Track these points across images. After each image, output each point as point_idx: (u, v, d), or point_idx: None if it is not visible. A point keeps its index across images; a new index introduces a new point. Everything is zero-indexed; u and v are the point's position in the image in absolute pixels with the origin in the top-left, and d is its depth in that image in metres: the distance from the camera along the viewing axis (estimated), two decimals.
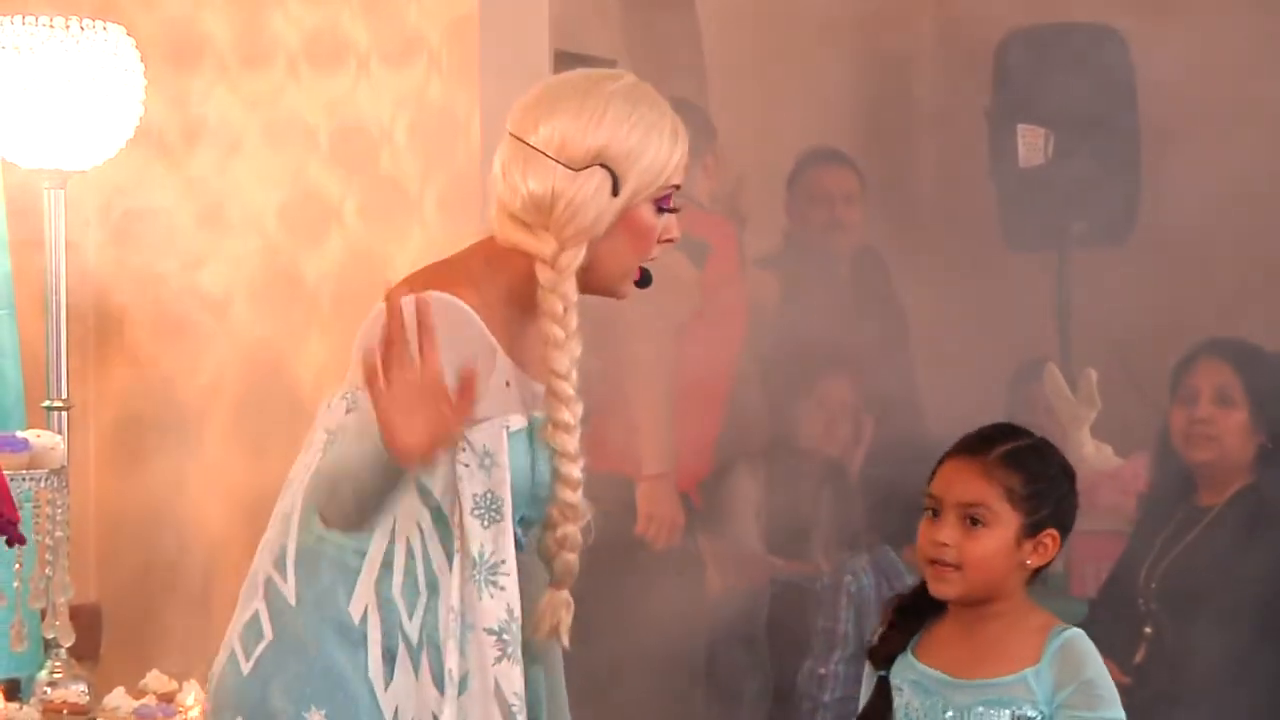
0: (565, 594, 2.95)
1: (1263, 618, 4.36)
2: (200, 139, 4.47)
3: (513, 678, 2.85)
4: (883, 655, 3.14)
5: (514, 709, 2.85)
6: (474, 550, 2.82)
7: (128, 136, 4.25)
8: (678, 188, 2.94)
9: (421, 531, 2.87)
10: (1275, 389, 4.63)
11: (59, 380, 4.16)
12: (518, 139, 2.89)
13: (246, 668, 2.89)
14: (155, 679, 3.95)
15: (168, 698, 3.87)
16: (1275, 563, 4.40)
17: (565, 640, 2.96)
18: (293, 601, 2.87)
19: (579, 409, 2.88)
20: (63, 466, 3.92)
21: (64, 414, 4.16)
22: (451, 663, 2.82)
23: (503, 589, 2.84)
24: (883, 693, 3.12)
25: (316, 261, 4.42)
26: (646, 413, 4.65)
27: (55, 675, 3.98)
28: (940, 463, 3.14)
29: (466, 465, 2.83)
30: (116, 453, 4.57)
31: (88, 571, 4.49)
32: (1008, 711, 3.05)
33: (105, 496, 4.56)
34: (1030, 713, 3.04)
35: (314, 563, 2.87)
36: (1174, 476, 4.69)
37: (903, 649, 3.14)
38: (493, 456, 2.84)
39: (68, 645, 4.00)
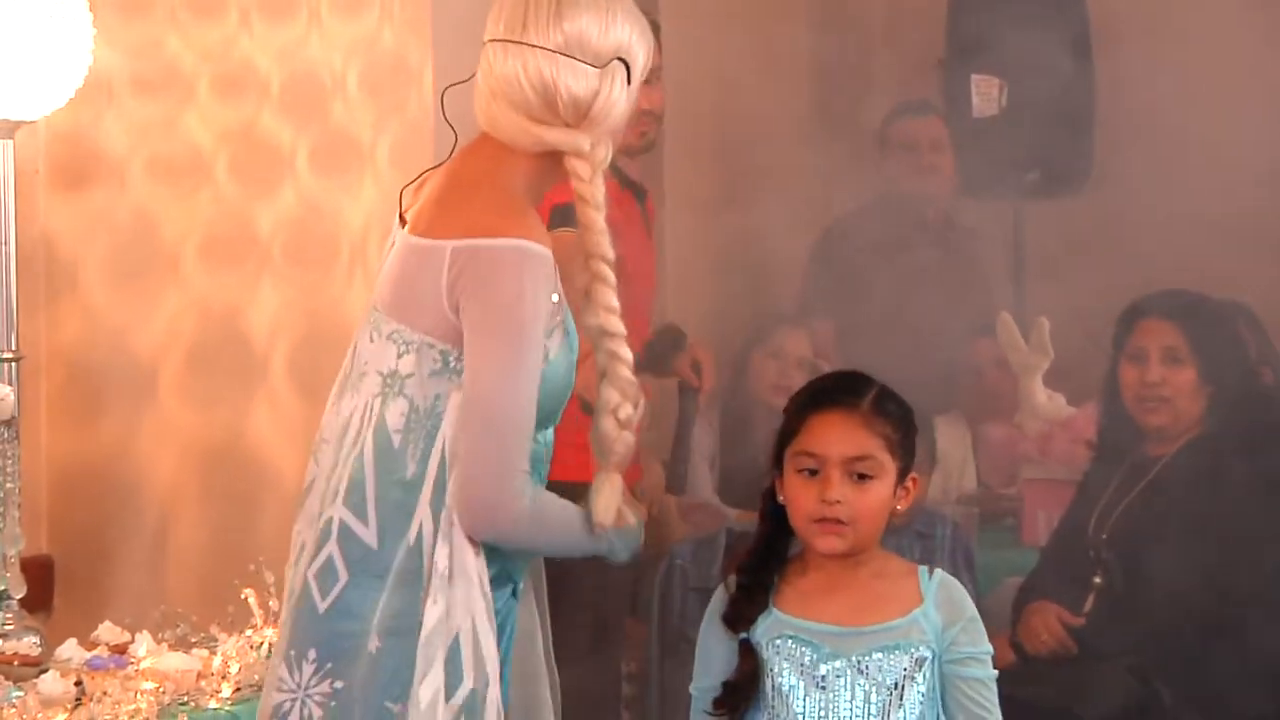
0: (619, 478, 3.05)
1: (1211, 566, 4.38)
2: (151, 89, 4.44)
3: (470, 560, 2.97)
4: (746, 618, 3.11)
5: (479, 586, 2.96)
6: None
7: (77, 86, 4.22)
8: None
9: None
10: (1221, 339, 4.65)
11: (9, 332, 4.14)
12: (536, 46, 2.98)
13: (323, 606, 2.99)
14: (108, 630, 3.93)
15: (120, 649, 3.86)
16: (1224, 511, 4.42)
17: (632, 518, 3.09)
18: (374, 546, 2.97)
19: (615, 293, 3.00)
20: (13, 417, 3.91)
21: (14, 365, 4.14)
22: (440, 557, 2.94)
23: None
24: (749, 656, 3.09)
25: (269, 212, 4.41)
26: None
27: (7, 627, 3.97)
28: (800, 417, 3.11)
29: None
30: (68, 404, 4.55)
31: (39, 523, 4.47)
32: (907, 655, 3.07)
33: (57, 448, 4.54)
34: (925, 652, 3.08)
35: (396, 508, 2.97)
36: (1124, 425, 4.71)
37: (765, 608, 3.11)
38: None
39: (19, 597, 3.98)
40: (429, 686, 2.91)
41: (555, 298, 2.98)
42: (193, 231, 4.44)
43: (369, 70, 4.27)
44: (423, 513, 2.97)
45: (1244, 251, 6.34)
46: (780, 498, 3.14)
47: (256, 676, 3.71)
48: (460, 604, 2.94)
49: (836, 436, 3.08)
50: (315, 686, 2.99)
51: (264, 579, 3.88)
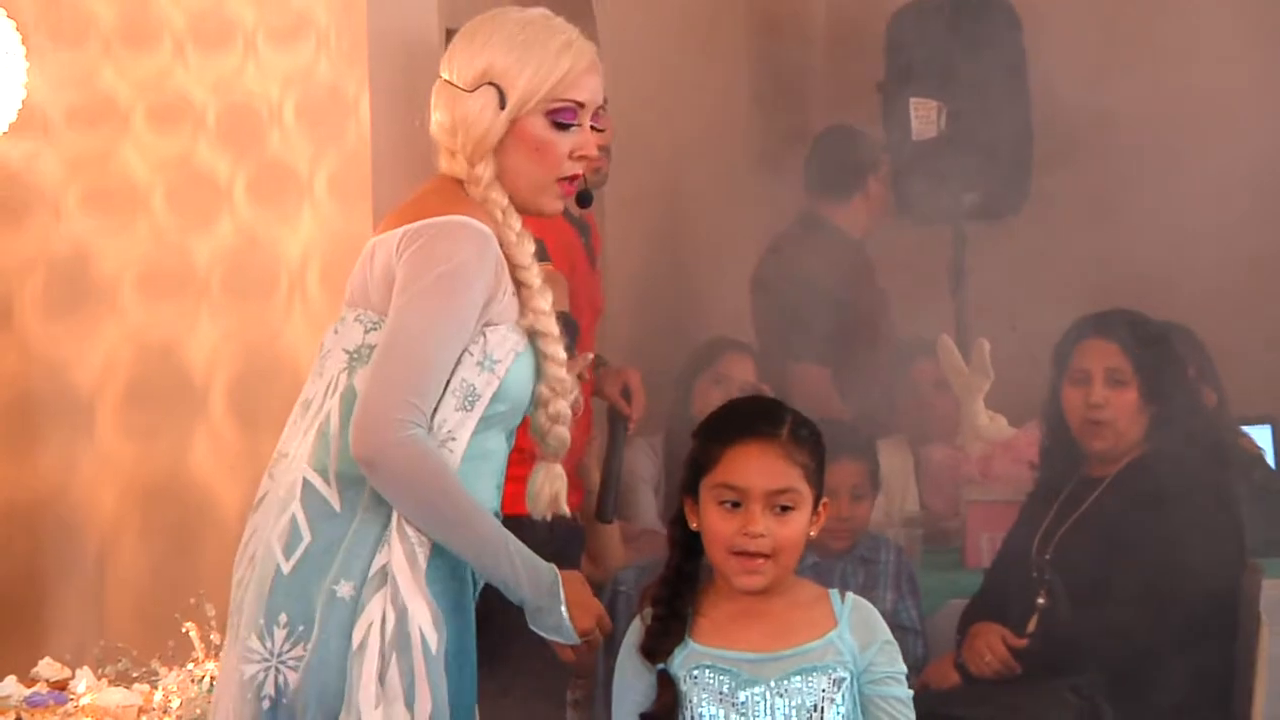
0: (559, 467, 3.19)
1: (1154, 587, 4.40)
2: (86, 120, 4.42)
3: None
4: (664, 649, 3.11)
5: (411, 540, 3.02)
6: (437, 419, 3.03)
7: (10, 119, 4.21)
8: (580, 104, 3.16)
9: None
10: (1163, 359, 4.67)
11: None
12: (439, 78, 3.17)
13: (287, 567, 3.05)
14: (47, 666, 3.91)
15: (60, 685, 3.84)
16: (1165, 532, 4.44)
17: (566, 508, 3.19)
18: (337, 508, 3.06)
19: (550, 295, 3.16)
20: None
21: None
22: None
23: (450, 453, 3.06)
24: (667, 687, 3.09)
25: (206, 243, 4.39)
26: None
27: None
28: (719, 447, 3.11)
29: (470, 354, 3.07)
30: (6, 438, 4.52)
31: None
32: (825, 676, 3.08)
33: None
34: (842, 673, 3.09)
35: (358, 477, 3.04)
36: (1066, 446, 4.72)
37: (682, 639, 3.11)
38: (494, 364, 3.08)
39: None
40: (362, 625, 2.99)
41: (512, 294, 3.11)
42: (130, 263, 4.42)
43: (306, 100, 4.26)
44: None
45: (1185, 270, 6.37)
46: (693, 525, 3.13)
47: (198, 711, 3.69)
48: (396, 554, 3.02)
49: (758, 469, 3.08)
50: (289, 652, 3.03)
51: (205, 612, 3.86)
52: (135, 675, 3.88)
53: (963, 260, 6.76)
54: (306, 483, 3.09)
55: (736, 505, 3.07)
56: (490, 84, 3.12)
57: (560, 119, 3.14)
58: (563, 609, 3.07)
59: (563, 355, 3.16)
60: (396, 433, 2.98)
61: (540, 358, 3.15)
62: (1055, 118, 6.68)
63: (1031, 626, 4.57)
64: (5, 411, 4.52)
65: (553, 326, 3.15)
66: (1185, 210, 6.48)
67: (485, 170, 3.13)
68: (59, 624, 4.44)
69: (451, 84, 3.15)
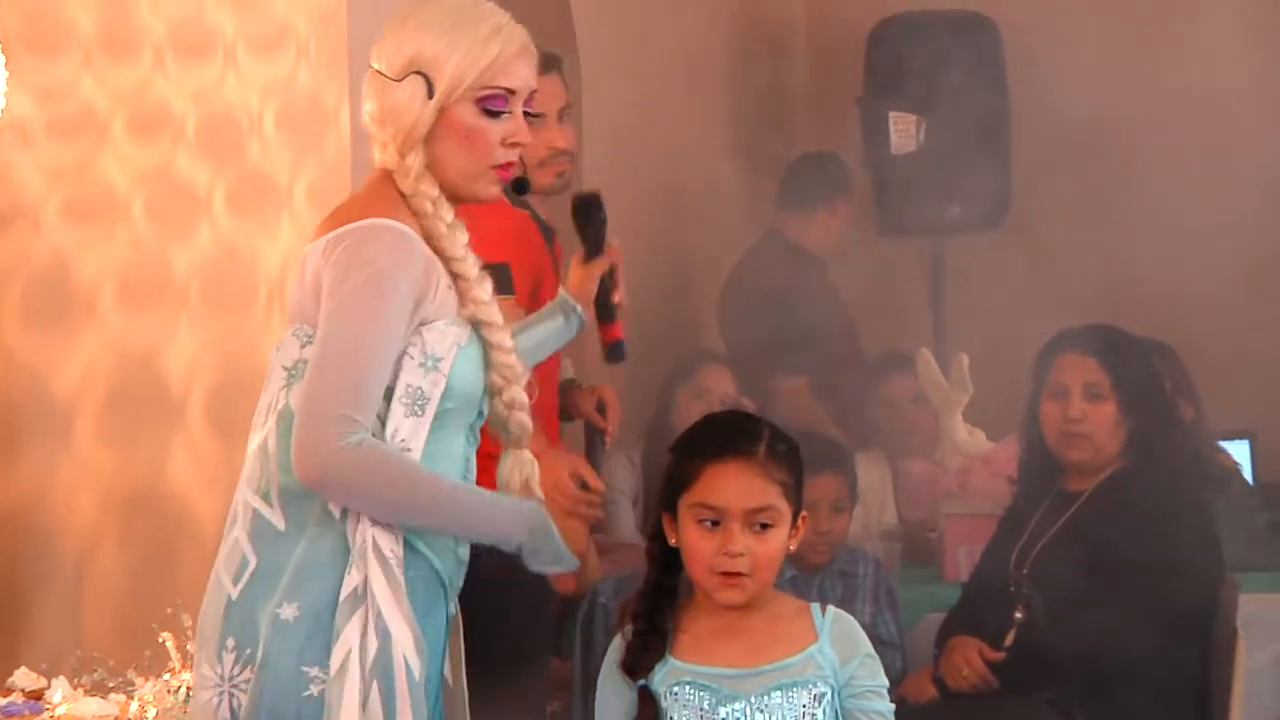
0: (526, 453, 3.15)
1: (1132, 601, 4.40)
2: (65, 131, 4.42)
3: (384, 539, 3.01)
4: (645, 665, 3.10)
5: (390, 562, 3.00)
6: (389, 430, 3.00)
7: None
8: (511, 91, 3.10)
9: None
10: (1140, 374, 4.67)
11: None
12: (370, 68, 3.12)
13: (235, 593, 3.02)
14: (23, 676, 3.90)
15: (36, 695, 3.83)
16: (1143, 547, 4.44)
17: (539, 491, 3.15)
18: (282, 527, 3.02)
19: (489, 285, 3.12)
20: None
21: None
22: (362, 533, 3.00)
23: None
24: (648, 703, 3.08)
25: (186, 253, 4.39)
26: None
27: None
28: (697, 466, 3.09)
29: (411, 358, 3.02)
30: None
31: None
32: (805, 691, 3.07)
33: None
34: (823, 688, 3.08)
35: (303, 490, 2.99)
36: (1044, 460, 4.73)
37: (663, 655, 3.10)
38: (437, 362, 3.04)
39: None
40: (340, 650, 2.96)
41: (448, 287, 3.07)
42: (109, 273, 4.42)
43: (285, 111, 4.26)
44: None
45: (1163, 286, 6.39)
46: (672, 540, 3.13)
47: None
48: (376, 577, 2.98)
49: (737, 488, 3.07)
50: (239, 675, 3.01)
51: (182, 622, 3.85)
52: (111, 685, 3.88)
53: (942, 274, 6.78)
54: (248, 506, 3.05)
55: (715, 524, 3.06)
56: (418, 73, 3.07)
57: (490, 106, 3.09)
58: (558, 538, 3.06)
59: (509, 342, 3.13)
60: (334, 445, 2.93)
61: (487, 347, 3.11)
62: (1037, 132, 6.70)
63: (1009, 640, 4.57)
64: None
65: (495, 315, 3.11)
66: (1162, 226, 6.50)
67: (415, 161, 3.09)
68: (36, 633, 4.43)
69: (381, 74, 3.10)
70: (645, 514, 5.92)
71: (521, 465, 3.16)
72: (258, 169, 4.29)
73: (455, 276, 3.10)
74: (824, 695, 3.07)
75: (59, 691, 3.82)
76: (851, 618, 3.15)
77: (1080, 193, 6.77)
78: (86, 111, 4.40)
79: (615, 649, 3.16)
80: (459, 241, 3.10)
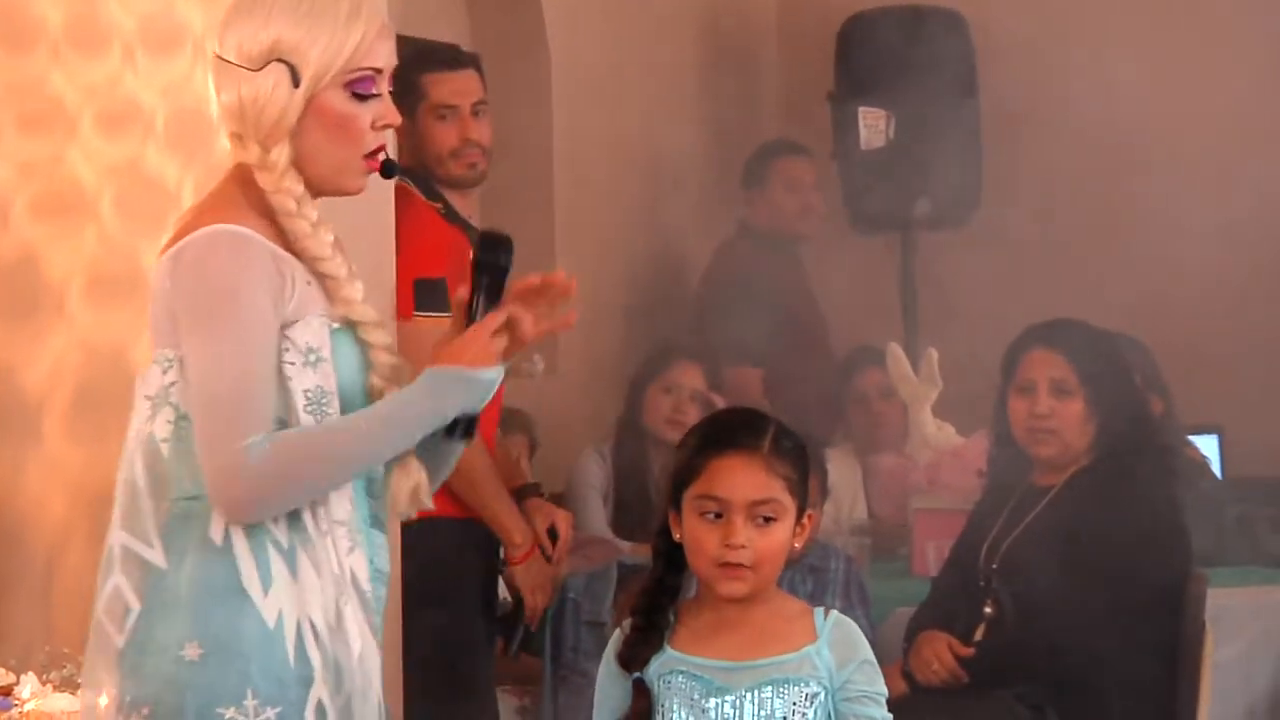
0: (414, 460, 2.98)
1: (1101, 596, 4.41)
2: (34, 126, 4.40)
3: (361, 570, 2.93)
4: (640, 658, 3.10)
5: (366, 600, 2.92)
6: None
7: None
8: (378, 71, 2.95)
9: None
10: (1109, 369, 4.69)
11: None
12: (214, 55, 2.96)
13: (120, 641, 2.90)
14: None
15: (5, 691, 3.82)
16: (1112, 541, 4.46)
17: (428, 501, 3.01)
18: (163, 565, 2.89)
19: (359, 284, 2.97)
20: None
21: None
22: (325, 557, 2.89)
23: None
24: (642, 694, 3.08)
25: (155, 249, 4.33)
26: (482, 485, 4.55)
27: None
28: (701, 459, 3.10)
29: (293, 363, 2.89)
30: None
31: None
32: (796, 689, 3.06)
33: None
34: (816, 689, 3.07)
35: (182, 522, 2.89)
36: (1013, 456, 4.74)
37: (659, 648, 3.10)
38: (317, 353, 2.91)
39: None
40: (313, 699, 2.87)
41: (307, 283, 2.94)
42: (78, 269, 4.40)
43: None
44: (218, 524, 2.89)
45: (1133, 280, 6.41)
46: (676, 536, 3.13)
47: None
48: (289, 601, 2.88)
49: (740, 481, 3.07)
50: None
51: None
52: (80, 681, 3.86)
53: (912, 269, 6.79)
54: (124, 548, 2.91)
55: (718, 516, 3.06)
56: (279, 60, 2.91)
57: (360, 89, 2.94)
58: (470, 373, 2.93)
59: (388, 339, 3.00)
60: (247, 474, 2.82)
61: (365, 347, 2.98)
62: (1008, 127, 6.72)
63: (979, 635, 4.58)
64: None
65: (370, 314, 2.98)
66: (1132, 222, 6.52)
67: (281, 156, 2.93)
68: (5, 629, 4.41)
69: (230, 62, 2.93)
70: (615, 510, 5.92)
71: (409, 474, 3.00)
72: (226, 164, 4.27)
73: (323, 277, 2.96)
74: (816, 696, 3.06)
75: (28, 687, 3.81)
76: (854, 624, 3.15)
77: (1050, 188, 6.79)
78: (55, 106, 4.38)
79: (615, 641, 3.16)
80: (324, 241, 2.96)
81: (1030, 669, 4.48)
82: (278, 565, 2.89)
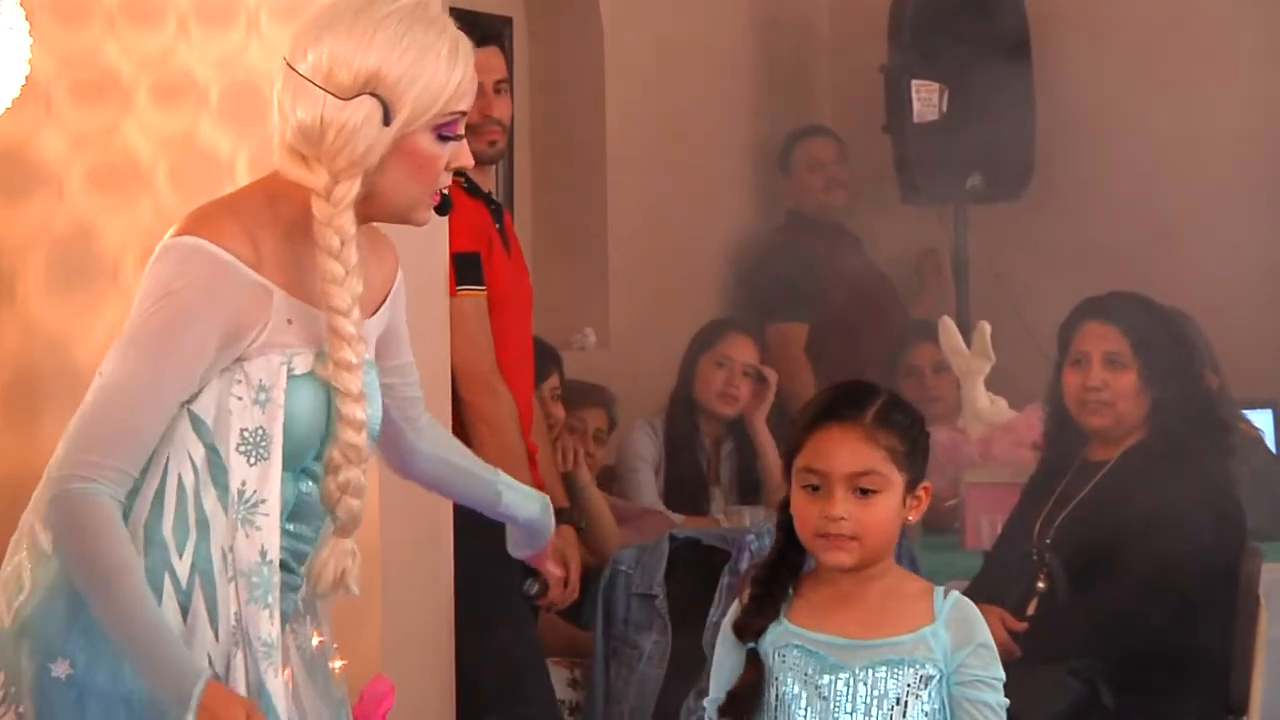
0: (349, 542, 2.83)
1: (1154, 570, 4.40)
2: (89, 97, 4.41)
3: (259, 623, 2.76)
4: (755, 628, 3.07)
5: (260, 654, 2.76)
6: (234, 486, 2.75)
7: (14, 95, 4.21)
8: (463, 113, 2.83)
9: (195, 467, 2.77)
10: (1164, 342, 4.67)
11: None
12: (290, 66, 2.80)
13: (6, 620, 2.78)
14: None
15: None
16: (1165, 516, 4.44)
17: (355, 588, 2.85)
18: (49, 550, 2.75)
19: (362, 348, 2.80)
20: None
21: None
22: (225, 606, 2.76)
23: (259, 529, 2.76)
24: (755, 666, 3.06)
25: None
26: (506, 458, 4.53)
27: None
28: (806, 432, 3.07)
29: (239, 398, 2.76)
30: (8, 414, 4.52)
31: None
32: (911, 670, 3.02)
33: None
34: (931, 671, 3.03)
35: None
36: (1069, 429, 4.72)
37: (775, 619, 3.07)
38: (268, 392, 2.77)
39: None
40: None
41: (288, 322, 2.79)
42: (133, 241, 4.41)
43: None
44: (133, 536, 2.73)
45: (1189, 255, 6.38)
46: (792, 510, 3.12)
47: None
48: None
49: (837, 452, 3.03)
50: (2, 714, 2.75)
51: None
52: None
53: (965, 242, 6.78)
54: (31, 530, 2.79)
55: (818, 489, 3.04)
56: (373, 94, 2.75)
57: (446, 131, 2.81)
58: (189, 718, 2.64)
59: (361, 416, 2.78)
60: (67, 487, 2.67)
61: (336, 418, 2.78)
62: (1062, 99, 6.69)
63: (1031, 610, 4.57)
64: (7, 389, 4.52)
65: (354, 385, 2.76)
66: (1188, 195, 6.49)
67: (350, 191, 2.76)
68: None
69: (309, 81, 2.77)
70: (666, 483, 5.93)
71: (339, 556, 2.83)
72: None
73: (330, 331, 2.77)
74: (932, 678, 3.02)
75: None
76: (972, 604, 3.10)
77: (1104, 161, 6.76)
78: (110, 78, 4.40)
79: (733, 612, 3.13)
80: (353, 290, 2.77)
81: (1083, 644, 4.47)
82: (169, 600, 2.75)
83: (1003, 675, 3.08)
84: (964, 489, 5.43)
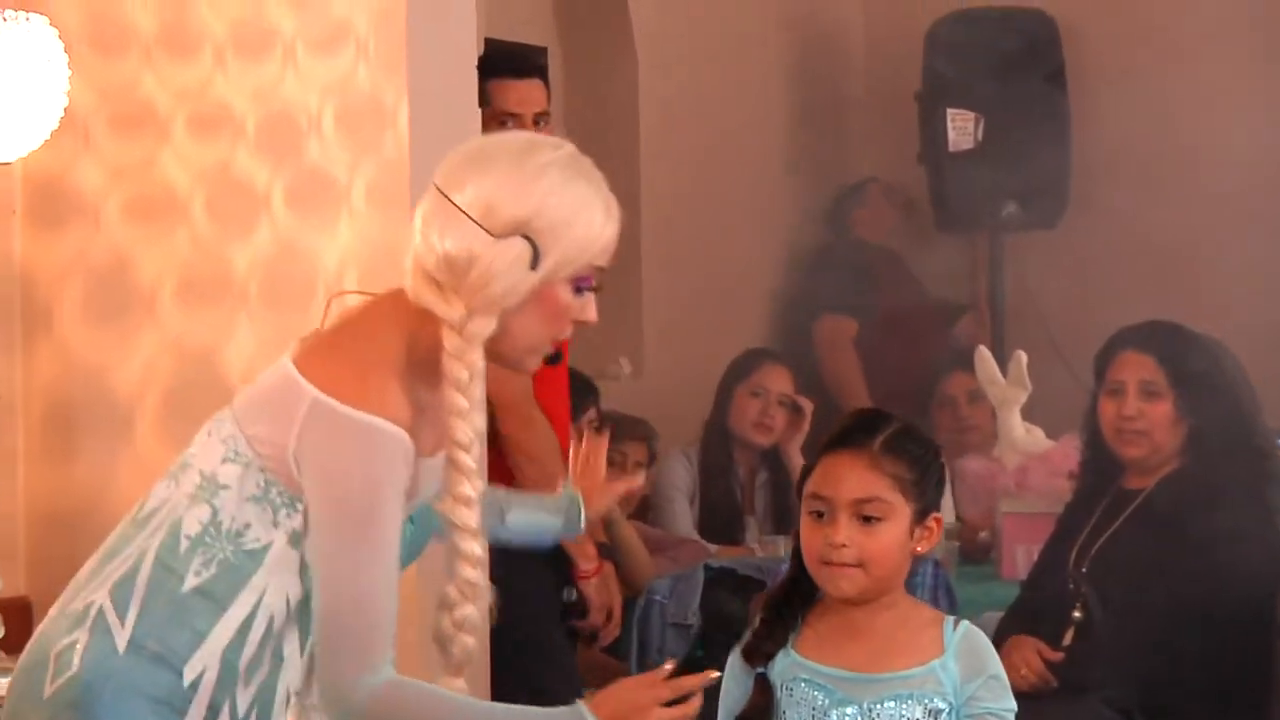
0: (460, 682, 2.83)
1: (1191, 600, 4.38)
2: (126, 128, 4.44)
3: None
4: (763, 653, 3.06)
5: None
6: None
7: (52, 126, 4.24)
8: (602, 269, 2.83)
9: (288, 608, 2.78)
10: (1199, 371, 4.65)
11: None
12: (443, 194, 2.77)
13: (47, 691, 2.75)
14: None
15: None
16: (1202, 545, 4.42)
17: None
18: (120, 649, 2.73)
19: (481, 483, 2.79)
20: None
21: None
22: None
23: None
24: (763, 690, 3.04)
25: (245, 251, 4.41)
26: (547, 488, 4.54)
27: None
28: (816, 459, 3.07)
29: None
30: (46, 444, 4.54)
31: (17, 563, 4.46)
32: (920, 705, 3.01)
33: (35, 488, 4.53)
34: (940, 704, 3.01)
35: (168, 617, 2.75)
36: (1104, 458, 4.71)
37: (783, 645, 3.06)
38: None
39: None
40: None
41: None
42: (169, 271, 4.44)
43: (344, 109, 4.27)
44: (208, 658, 2.74)
45: (1225, 281, 6.37)
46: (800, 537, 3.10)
47: None
48: None
49: (843, 478, 3.03)
50: None
51: None
52: None
53: (1000, 271, 6.78)
54: (101, 613, 2.76)
55: (823, 515, 3.03)
56: (525, 237, 2.74)
57: (583, 284, 2.81)
58: None
59: (479, 553, 2.78)
60: (361, 696, 2.69)
61: (453, 553, 2.79)
62: (1098, 129, 6.68)
63: (1067, 639, 4.56)
64: (45, 418, 4.54)
65: (471, 520, 2.76)
66: (1221, 222, 6.48)
67: (485, 329, 2.75)
68: None
69: (464, 213, 2.74)
70: (701, 512, 5.93)
71: None
72: (317, 168, 4.31)
73: (450, 464, 2.76)
74: (941, 711, 3.01)
75: None
76: (982, 635, 3.08)
77: (1140, 189, 6.75)
78: (147, 110, 4.42)
79: (743, 639, 3.13)
80: (475, 424, 2.76)
81: (1119, 674, 4.45)
82: None
83: (1014, 706, 3.06)
84: (1000, 519, 5.42)
